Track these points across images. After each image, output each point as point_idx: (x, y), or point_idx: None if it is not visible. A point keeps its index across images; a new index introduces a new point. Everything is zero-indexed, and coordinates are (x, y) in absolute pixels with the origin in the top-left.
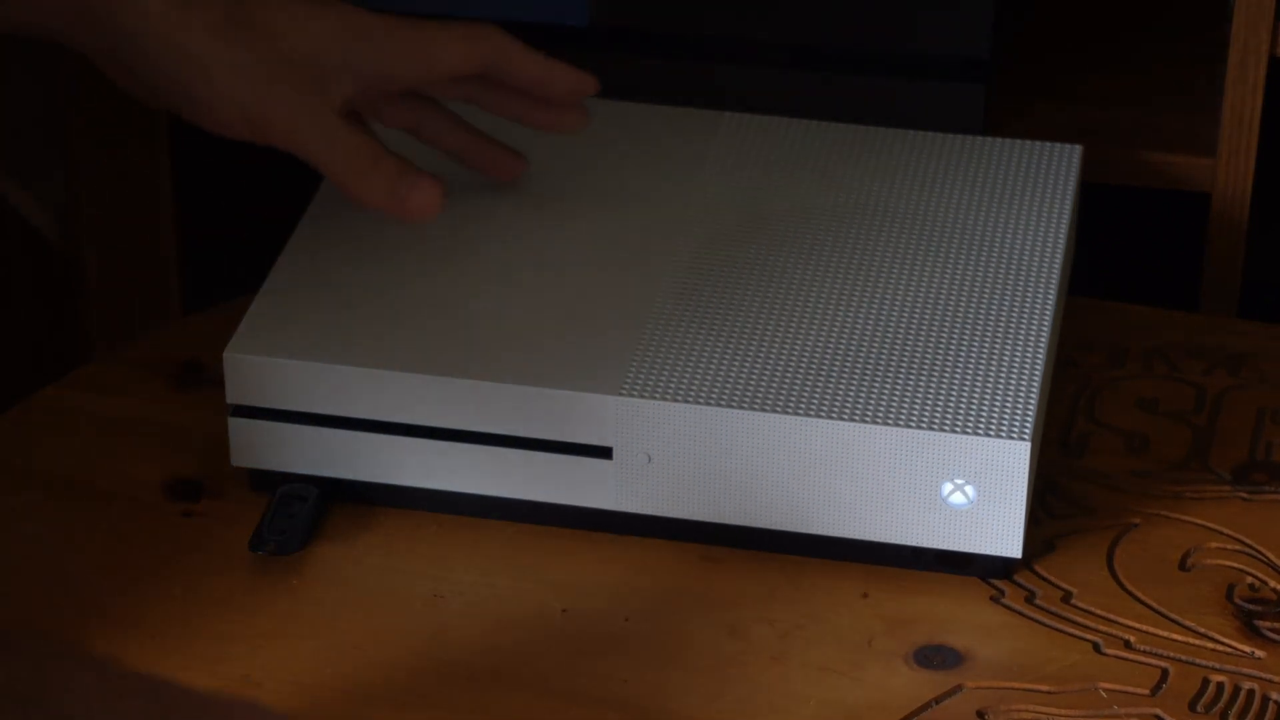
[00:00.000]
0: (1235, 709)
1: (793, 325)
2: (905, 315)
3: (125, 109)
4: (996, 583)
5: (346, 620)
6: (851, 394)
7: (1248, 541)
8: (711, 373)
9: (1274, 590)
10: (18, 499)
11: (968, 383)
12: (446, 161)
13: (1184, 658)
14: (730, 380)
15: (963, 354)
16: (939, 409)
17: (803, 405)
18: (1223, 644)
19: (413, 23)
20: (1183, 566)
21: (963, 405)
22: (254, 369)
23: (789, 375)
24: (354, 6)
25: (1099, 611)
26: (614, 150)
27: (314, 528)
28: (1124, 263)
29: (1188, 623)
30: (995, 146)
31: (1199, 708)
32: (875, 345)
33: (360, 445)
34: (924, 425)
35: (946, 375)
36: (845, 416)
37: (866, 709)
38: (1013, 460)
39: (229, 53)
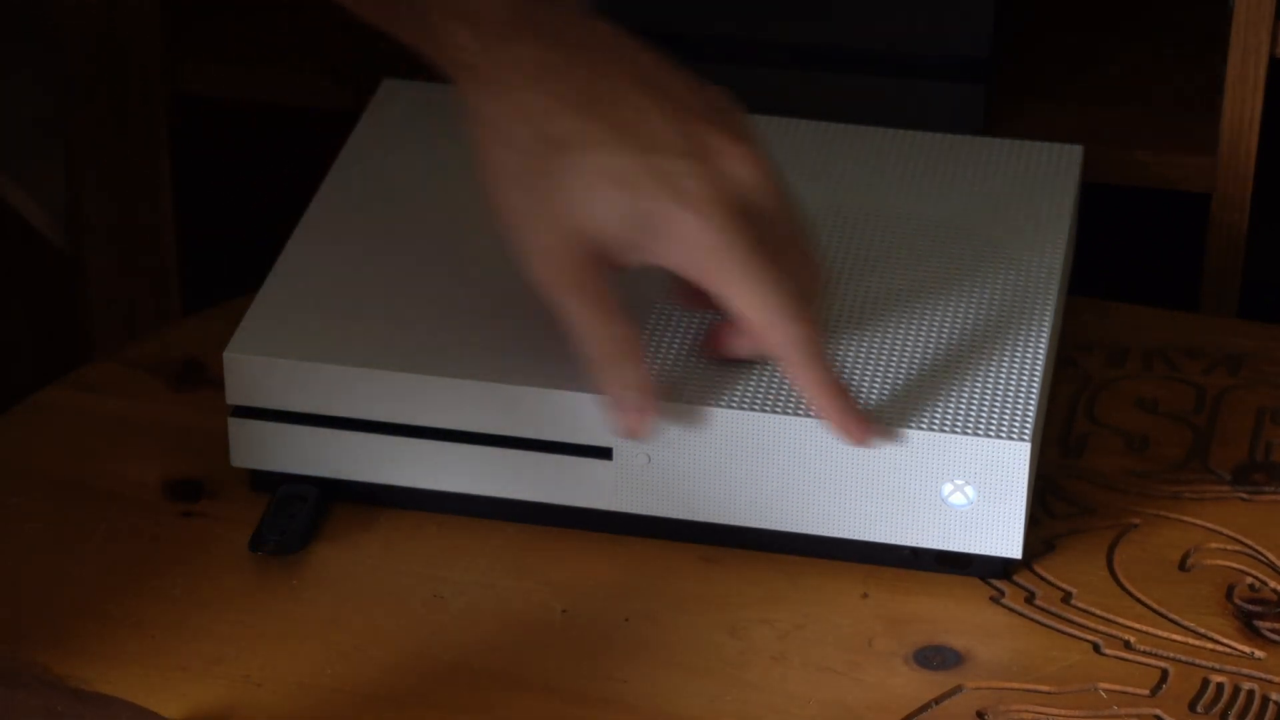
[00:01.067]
0: (1235, 709)
1: None
2: (905, 315)
3: (125, 109)
4: (996, 583)
5: (346, 620)
6: (851, 394)
7: (1248, 542)
8: (710, 373)
9: (1274, 590)
10: (18, 499)
11: (968, 383)
12: (443, 166)
13: (1184, 658)
14: (729, 380)
15: (963, 354)
16: (939, 409)
17: (803, 405)
18: (1223, 644)
19: (713, 254)
20: (1183, 567)
21: (963, 405)
22: (254, 369)
23: None
24: (659, 181)
25: (1099, 612)
26: None
27: (314, 528)
28: (1124, 263)
29: (1187, 623)
30: (995, 146)
31: (1199, 708)
32: (875, 345)
33: (360, 445)
34: (924, 425)
35: (946, 375)
36: None
37: (866, 709)
38: (1013, 461)
39: (517, 199)
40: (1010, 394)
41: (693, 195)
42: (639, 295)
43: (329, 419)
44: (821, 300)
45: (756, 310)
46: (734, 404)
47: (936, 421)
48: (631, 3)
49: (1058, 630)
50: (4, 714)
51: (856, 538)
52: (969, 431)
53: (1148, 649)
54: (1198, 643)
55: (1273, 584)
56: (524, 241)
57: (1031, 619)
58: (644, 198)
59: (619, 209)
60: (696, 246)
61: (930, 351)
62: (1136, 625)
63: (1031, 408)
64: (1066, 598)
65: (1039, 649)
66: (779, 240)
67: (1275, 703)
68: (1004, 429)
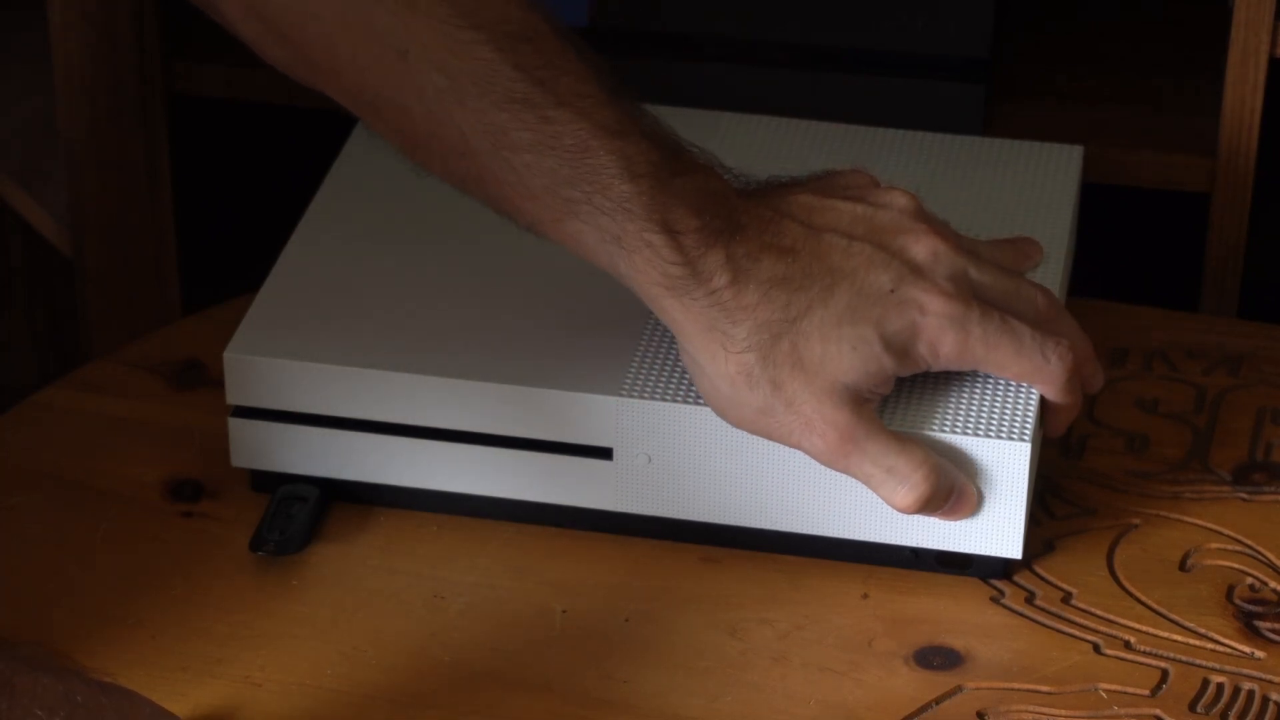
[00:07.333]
0: (1235, 710)
1: None
2: None
3: (125, 109)
4: (996, 583)
5: (346, 621)
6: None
7: (1248, 542)
8: None
9: (1274, 591)
10: (18, 499)
11: (968, 384)
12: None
13: (1184, 658)
14: None
15: None
16: (940, 410)
17: None
18: (1223, 645)
19: (975, 344)
20: (1183, 567)
21: (963, 406)
22: (254, 369)
23: None
24: (887, 303)
25: (1099, 612)
26: None
27: (314, 528)
28: (1124, 263)
29: (1188, 623)
30: (995, 146)
31: (1199, 708)
32: None
33: (360, 445)
34: (925, 426)
35: (948, 376)
36: None
37: (866, 710)
38: (1013, 461)
39: (763, 393)
40: (1010, 395)
41: (924, 301)
42: (637, 296)
43: (329, 419)
44: (1059, 311)
45: (1026, 370)
46: None
47: (937, 422)
48: (632, 3)
49: (1058, 630)
50: (27, 696)
51: (856, 538)
52: (970, 432)
53: (1148, 649)
54: (1198, 643)
55: (1273, 584)
56: (790, 429)
57: (1031, 619)
58: (886, 322)
59: (868, 345)
60: (955, 344)
61: None
62: (1136, 625)
63: (1032, 408)
64: (1066, 598)
65: (1039, 649)
66: (999, 284)
67: (1275, 703)
68: (1004, 430)
